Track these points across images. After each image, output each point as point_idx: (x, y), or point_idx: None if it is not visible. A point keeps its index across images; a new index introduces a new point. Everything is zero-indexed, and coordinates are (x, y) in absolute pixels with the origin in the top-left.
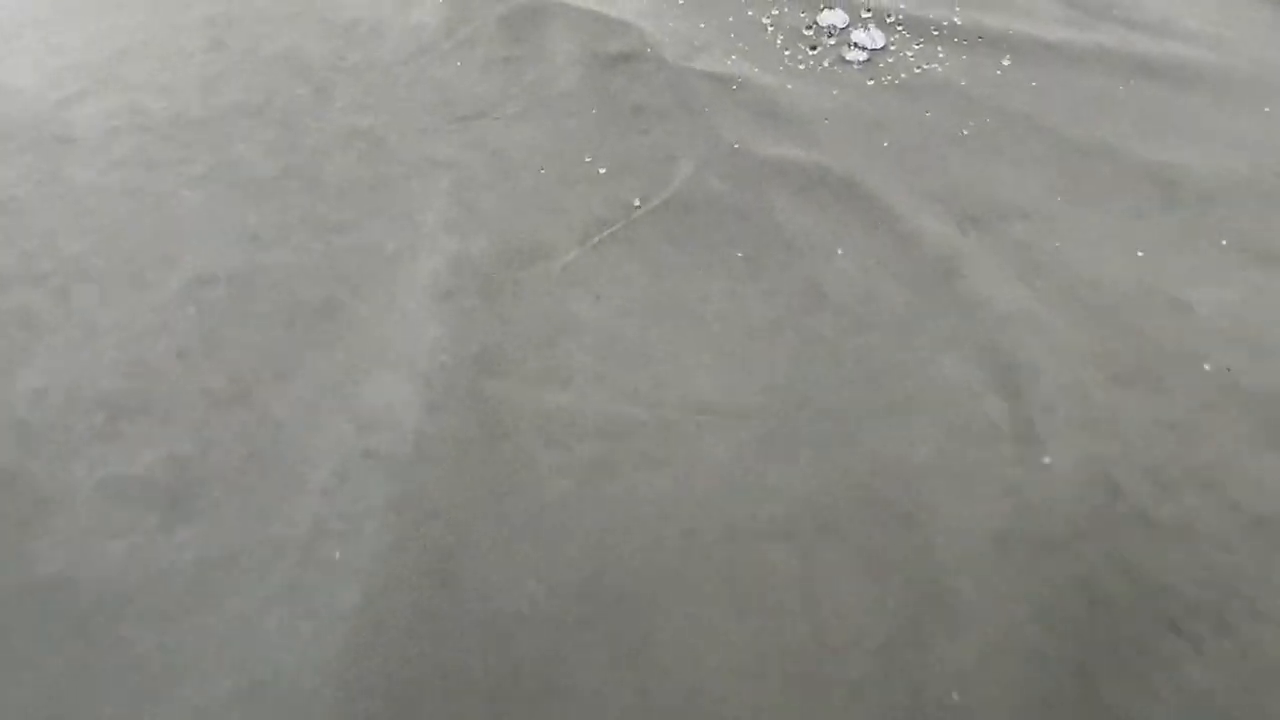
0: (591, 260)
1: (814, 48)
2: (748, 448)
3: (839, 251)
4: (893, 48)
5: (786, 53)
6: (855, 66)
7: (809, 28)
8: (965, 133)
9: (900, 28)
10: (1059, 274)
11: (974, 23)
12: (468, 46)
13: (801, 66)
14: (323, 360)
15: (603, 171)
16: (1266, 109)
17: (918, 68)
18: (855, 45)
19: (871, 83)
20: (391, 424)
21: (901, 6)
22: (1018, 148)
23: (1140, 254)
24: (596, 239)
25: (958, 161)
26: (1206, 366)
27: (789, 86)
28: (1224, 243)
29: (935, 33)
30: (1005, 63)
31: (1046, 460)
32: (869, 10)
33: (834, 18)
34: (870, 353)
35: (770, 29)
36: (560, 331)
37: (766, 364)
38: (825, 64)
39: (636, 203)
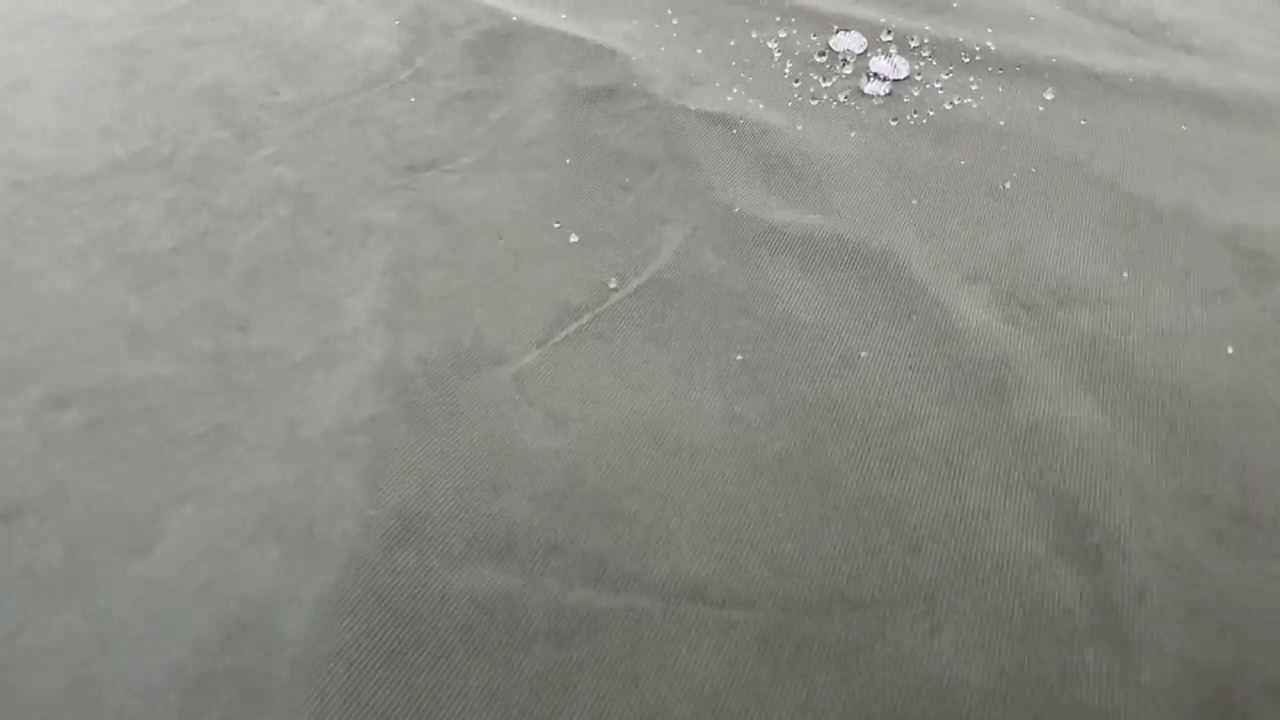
0: (553, 365)
1: (827, 78)
2: (746, 655)
3: (862, 354)
4: (918, 77)
5: (796, 84)
6: (875, 101)
7: (821, 54)
8: (1007, 186)
9: (926, 54)
10: (1134, 381)
11: (1011, 47)
12: (425, 79)
13: (814, 101)
14: (193, 522)
15: (574, 240)
16: None
17: (948, 103)
18: (875, 75)
19: (895, 122)
20: (266, 628)
21: (926, 28)
22: (1070, 205)
23: (1230, 350)
24: (561, 335)
25: (1000, 224)
26: None
27: (799, 128)
28: None
29: (966, 59)
30: (1048, 96)
31: (1144, 678)
32: (889, 33)
33: (850, 42)
34: (905, 504)
35: (778, 55)
36: (506, 474)
37: (771, 523)
38: (841, 98)
39: (613, 284)
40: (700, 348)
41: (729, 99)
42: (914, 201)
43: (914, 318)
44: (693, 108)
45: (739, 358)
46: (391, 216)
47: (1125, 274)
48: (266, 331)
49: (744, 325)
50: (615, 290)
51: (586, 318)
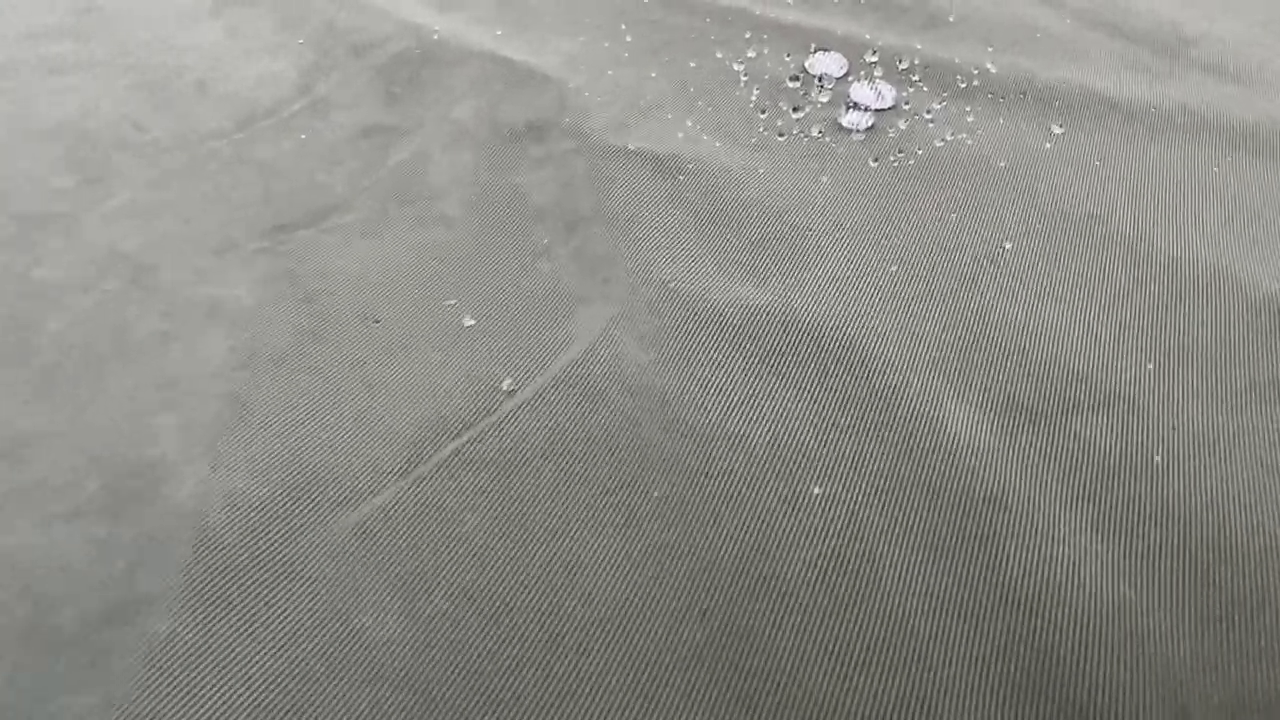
0: (412, 508)
1: (799, 108)
2: None
3: (814, 490)
4: (905, 106)
5: (762, 115)
6: (855, 135)
7: (795, 77)
8: (1007, 246)
9: (916, 77)
10: (1165, 523)
11: (1013, 70)
12: (321, 112)
13: (781, 138)
14: None
15: (469, 324)
16: None
17: (939, 139)
18: (855, 105)
19: (875, 163)
20: None
21: (918, 47)
22: (1081, 272)
23: None
24: (430, 462)
25: (998, 299)
26: None
27: (760, 171)
28: None
29: (963, 85)
30: (1056, 130)
31: None
32: (875, 52)
33: (829, 64)
34: (864, 715)
35: (744, 80)
36: (327, 683)
37: None
38: (814, 132)
39: (508, 384)
40: (611, 478)
41: (680, 135)
42: (893, 269)
43: (885, 437)
44: (633, 148)
45: (656, 494)
46: (243, 292)
47: (1150, 366)
48: (45, 460)
49: (669, 446)
50: (510, 394)
51: (467, 436)
